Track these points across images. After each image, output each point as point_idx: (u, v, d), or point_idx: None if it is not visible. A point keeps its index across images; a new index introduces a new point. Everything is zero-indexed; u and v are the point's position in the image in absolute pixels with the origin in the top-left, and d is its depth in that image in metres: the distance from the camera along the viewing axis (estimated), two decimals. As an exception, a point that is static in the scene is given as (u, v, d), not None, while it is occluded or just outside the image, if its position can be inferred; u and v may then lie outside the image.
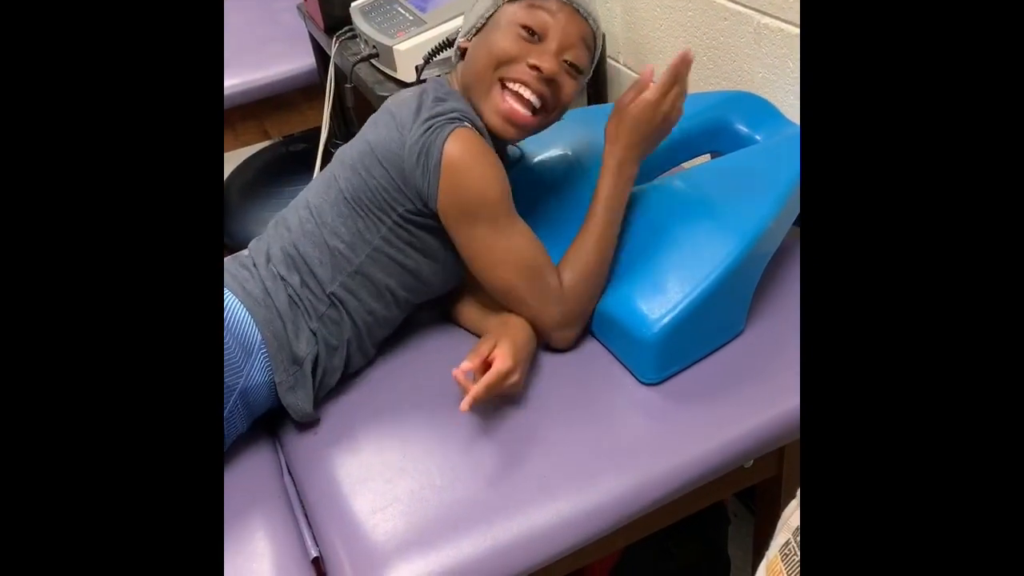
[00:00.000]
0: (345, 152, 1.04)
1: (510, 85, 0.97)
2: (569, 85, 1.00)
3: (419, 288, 1.04)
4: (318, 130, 1.71)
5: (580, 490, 0.89)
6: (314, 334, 0.99)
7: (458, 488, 0.91)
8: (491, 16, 1.01)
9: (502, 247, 0.97)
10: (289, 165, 2.26)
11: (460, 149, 0.93)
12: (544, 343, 1.04)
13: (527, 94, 0.97)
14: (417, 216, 0.99)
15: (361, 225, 0.99)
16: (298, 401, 0.98)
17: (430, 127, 0.95)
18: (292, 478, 1.01)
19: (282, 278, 0.99)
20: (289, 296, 0.99)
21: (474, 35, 1.03)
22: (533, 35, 0.97)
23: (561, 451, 0.93)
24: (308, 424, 1.01)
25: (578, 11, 1.00)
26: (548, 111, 1.00)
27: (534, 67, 0.96)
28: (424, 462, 0.94)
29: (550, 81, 0.97)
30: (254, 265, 1.02)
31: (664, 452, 0.92)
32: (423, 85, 1.05)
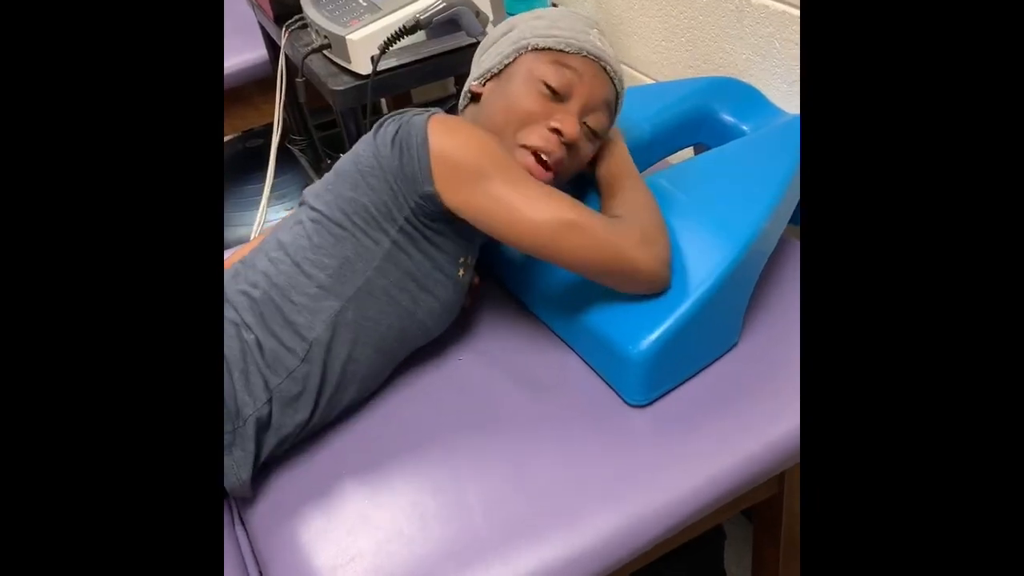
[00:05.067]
0: (314, 189, 0.96)
1: (530, 149, 0.92)
2: (586, 149, 0.96)
3: (411, 329, 0.94)
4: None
5: (567, 533, 0.80)
6: (269, 391, 0.86)
7: (428, 537, 0.81)
8: (510, 63, 0.95)
9: (532, 195, 0.86)
10: (246, 162, 2.17)
11: (443, 122, 0.88)
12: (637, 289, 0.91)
13: (545, 157, 0.92)
14: (420, 220, 0.89)
15: (350, 250, 0.88)
16: (233, 463, 0.85)
17: (401, 122, 0.89)
18: (245, 529, 0.91)
19: (246, 325, 0.87)
20: (245, 344, 0.87)
21: (489, 79, 0.97)
22: (556, 94, 0.92)
23: (543, 488, 0.84)
24: (262, 466, 0.90)
25: (604, 69, 0.95)
26: (563, 173, 0.95)
27: (555, 131, 0.91)
28: (391, 508, 0.84)
29: (570, 146, 0.93)
30: None
31: (657, 487, 0.83)
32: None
